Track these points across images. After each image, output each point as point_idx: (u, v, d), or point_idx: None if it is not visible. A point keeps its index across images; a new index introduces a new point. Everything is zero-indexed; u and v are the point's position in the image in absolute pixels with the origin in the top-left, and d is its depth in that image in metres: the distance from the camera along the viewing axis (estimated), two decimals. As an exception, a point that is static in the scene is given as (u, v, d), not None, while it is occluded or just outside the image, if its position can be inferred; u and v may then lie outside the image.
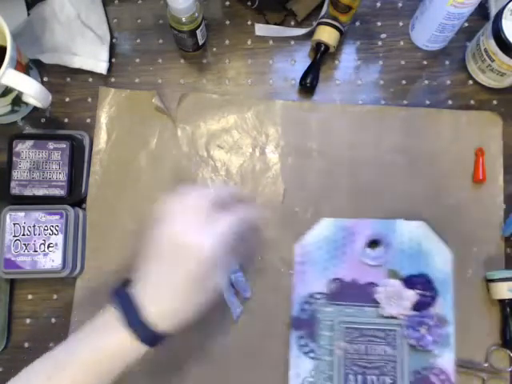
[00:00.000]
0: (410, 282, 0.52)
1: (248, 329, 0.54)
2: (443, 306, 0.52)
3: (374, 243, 0.55)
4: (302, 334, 0.53)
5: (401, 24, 0.62)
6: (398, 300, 0.52)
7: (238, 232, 0.41)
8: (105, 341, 0.40)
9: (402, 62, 0.61)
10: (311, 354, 0.52)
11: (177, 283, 0.40)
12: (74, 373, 0.40)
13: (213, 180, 0.58)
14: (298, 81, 0.60)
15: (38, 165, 0.55)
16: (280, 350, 0.53)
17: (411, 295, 0.52)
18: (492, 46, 0.54)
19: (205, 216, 0.41)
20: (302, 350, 0.52)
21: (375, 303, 0.52)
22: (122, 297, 0.41)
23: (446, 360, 0.51)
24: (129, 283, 0.42)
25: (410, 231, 0.54)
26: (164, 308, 0.40)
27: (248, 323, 0.54)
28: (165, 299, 0.40)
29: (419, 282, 0.52)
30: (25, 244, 0.53)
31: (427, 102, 0.60)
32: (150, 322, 0.39)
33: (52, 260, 0.53)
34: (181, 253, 0.40)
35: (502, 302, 0.54)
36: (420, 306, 0.52)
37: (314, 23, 0.61)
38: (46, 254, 0.53)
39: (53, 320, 0.56)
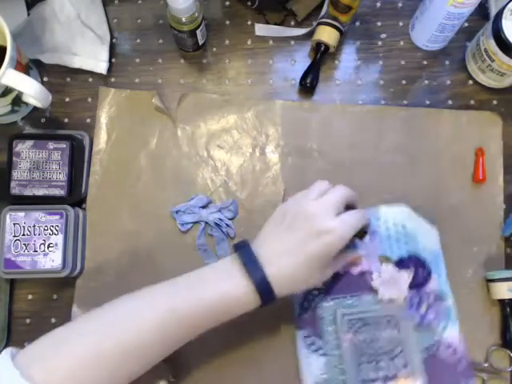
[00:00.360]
0: (402, 264, 0.54)
1: (253, 337, 0.54)
2: (438, 281, 0.54)
3: (360, 232, 0.56)
4: (307, 333, 0.53)
5: (401, 24, 0.62)
6: (394, 284, 0.53)
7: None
8: (224, 286, 0.44)
9: (402, 62, 0.61)
10: (320, 351, 0.52)
11: (302, 257, 0.44)
12: (196, 305, 0.43)
13: (213, 180, 0.58)
14: (298, 81, 0.60)
15: (38, 165, 0.55)
16: (288, 352, 0.53)
17: (406, 277, 0.53)
18: (492, 45, 0.54)
19: (340, 209, 0.46)
20: (311, 349, 0.52)
21: (373, 290, 0.53)
22: (247, 252, 0.45)
23: (451, 333, 0.52)
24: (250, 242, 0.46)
25: (394, 216, 0.55)
26: (284, 273, 0.44)
27: (253, 331, 0.54)
28: (287, 266, 0.44)
29: (411, 262, 0.54)
30: (25, 244, 0.53)
31: (427, 102, 0.60)
32: (270, 280, 0.43)
33: (52, 260, 0.53)
34: (314, 231, 0.44)
35: (501, 301, 0.54)
36: (416, 286, 0.53)
37: (314, 23, 0.61)
38: (45, 254, 0.53)
39: (53, 320, 0.56)
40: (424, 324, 0.52)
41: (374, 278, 0.53)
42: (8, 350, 0.40)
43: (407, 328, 0.52)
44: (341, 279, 0.54)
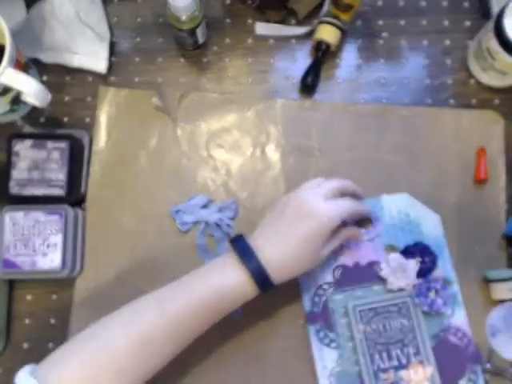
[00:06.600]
0: (408, 252, 0.54)
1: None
2: (444, 267, 0.54)
3: (363, 220, 0.56)
4: (319, 327, 0.53)
5: (402, 23, 0.62)
6: (402, 272, 0.53)
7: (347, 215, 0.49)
8: (220, 278, 0.45)
9: (404, 61, 0.61)
10: (333, 344, 0.53)
11: (293, 240, 0.46)
12: (187, 304, 0.44)
13: (213, 180, 0.58)
14: (299, 80, 0.60)
15: (37, 164, 0.55)
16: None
17: (413, 265, 0.53)
18: (494, 44, 0.54)
19: (332, 196, 0.49)
20: (323, 343, 0.53)
21: (382, 280, 0.54)
22: (241, 243, 0.46)
23: (459, 318, 0.53)
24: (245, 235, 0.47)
25: (397, 204, 0.56)
26: (278, 258, 0.45)
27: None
28: (280, 251, 0.46)
29: (417, 250, 0.54)
30: (24, 244, 0.53)
31: (429, 101, 0.60)
32: (265, 267, 0.44)
33: (51, 260, 0.53)
34: (303, 214, 0.46)
35: (502, 302, 0.54)
36: (424, 273, 0.54)
37: (315, 22, 0.60)
38: (45, 254, 0.53)
39: (52, 320, 0.56)
40: (433, 310, 0.53)
41: (383, 268, 0.54)
42: (28, 366, 0.43)
43: (417, 316, 0.53)
44: (350, 271, 0.54)
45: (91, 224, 0.57)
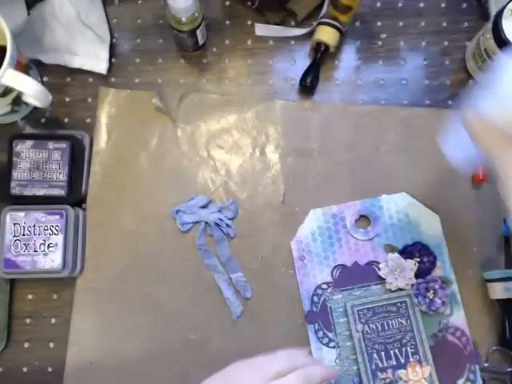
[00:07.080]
0: (407, 252, 0.55)
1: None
2: (443, 267, 0.55)
3: (362, 220, 0.57)
4: (317, 327, 0.54)
5: (401, 24, 0.62)
6: (401, 272, 0.53)
7: None
8: None
9: (402, 62, 0.61)
10: (331, 344, 0.53)
11: None
12: None
13: (213, 180, 0.58)
14: (298, 81, 0.60)
15: (38, 165, 0.55)
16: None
17: (412, 265, 0.54)
18: (492, 45, 0.54)
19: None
20: (322, 342, 0.53)
21: (380, 280, 0.54)
22: None
23: (457, 317, 0.54)
24: None
25: (396, 204, 0.56)
26: None
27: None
28: None
29: (416, 250, 0.55)
30: (25, 244, 0.53)
31: (427, 102, 0.60)
32: None
33: (52, 260, 0.53)
34: None
35: (500, 301, 0.54)
36: (422, 273, 0.54)
37: (314, 23, 0.61)
38: (46, 254, 0.53)
39: (53, 320, 0.56)
40: (432, 310, 0.53)
41: (381, 268, 0.54)
42: None
43: (416, 315, 0.53)
44: (348, 271, 0.55)
45: (92, 224, 0.57)
